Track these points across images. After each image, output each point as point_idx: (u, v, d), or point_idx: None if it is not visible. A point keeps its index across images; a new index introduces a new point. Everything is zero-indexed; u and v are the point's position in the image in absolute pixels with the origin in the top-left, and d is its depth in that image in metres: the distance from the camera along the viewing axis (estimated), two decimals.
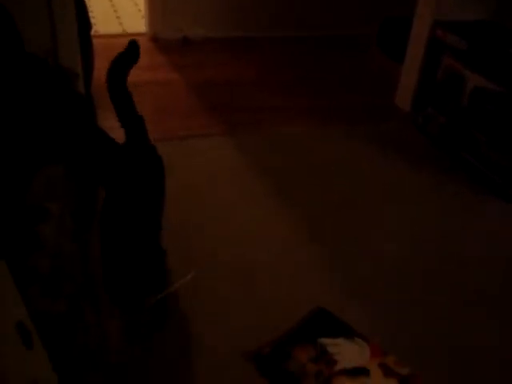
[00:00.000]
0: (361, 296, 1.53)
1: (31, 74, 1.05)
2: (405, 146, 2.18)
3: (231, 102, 2.37)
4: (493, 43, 2.10)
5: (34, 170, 1.01)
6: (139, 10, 3.65)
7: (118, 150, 1.20)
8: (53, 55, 1.22)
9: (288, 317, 1.44)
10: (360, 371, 1.34)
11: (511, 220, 1.88)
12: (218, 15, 3.04)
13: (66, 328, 0.79)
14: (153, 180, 1.25)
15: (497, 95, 1.96)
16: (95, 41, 2.16)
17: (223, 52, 2.75)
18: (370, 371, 1.34)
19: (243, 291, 1.51)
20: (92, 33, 2.09)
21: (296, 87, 2.49)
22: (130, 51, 1.27)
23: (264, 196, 1.84)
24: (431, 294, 1.56)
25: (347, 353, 1.37)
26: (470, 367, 1.40)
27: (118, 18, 3.48)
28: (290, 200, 1.83)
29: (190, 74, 2.53)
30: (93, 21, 2.31)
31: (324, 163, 2.03)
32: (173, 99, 2.34)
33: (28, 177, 0.99)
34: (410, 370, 1.35)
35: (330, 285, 1.56)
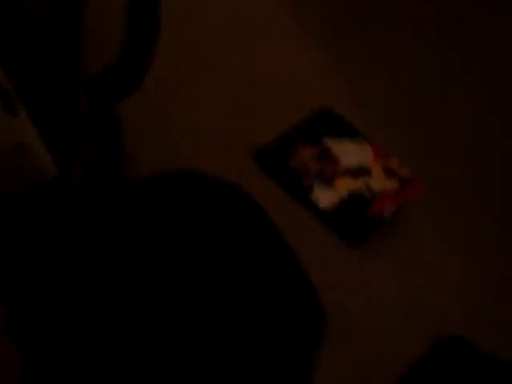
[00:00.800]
0: (369, 102, 1.48)
1: None
2: None
3: None
4: None
5: None
6: None
7: None
8: None
9: (291, 117, 1.41)
10: (362, 171, 1.34)
11: None
12: None
13: (54, 99, 0.76)
14: None
15: None
16: None
17: None
18: (372, 172, 1.34)
19: (244, 91, 1.46)
20: None
21: None
22: None
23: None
24: (444, 108, 1.51)
25: (350, 153, 1.36)
26: (476, 175, 1.39)
27: None
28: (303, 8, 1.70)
29: None
30: None
31: None
32: None
33: None
34: (411, 172, 1.34)
35: (339, 90, 1.50)
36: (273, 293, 0.70)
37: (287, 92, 1.47)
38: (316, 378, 1.03)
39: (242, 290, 0.66)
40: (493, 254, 1.28)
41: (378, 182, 1.32)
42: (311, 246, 1.23)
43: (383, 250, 1.25)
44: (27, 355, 0.61)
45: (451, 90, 1.54)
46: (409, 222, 1.30)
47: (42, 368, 0.62)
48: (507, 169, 1.42)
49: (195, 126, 1.37)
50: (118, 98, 1.01)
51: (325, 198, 1.28)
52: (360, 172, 1.33)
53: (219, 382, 0.61)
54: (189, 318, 0.61)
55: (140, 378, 0.60)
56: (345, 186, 1.31)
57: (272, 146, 1.34)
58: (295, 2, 1.68)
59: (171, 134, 1.34)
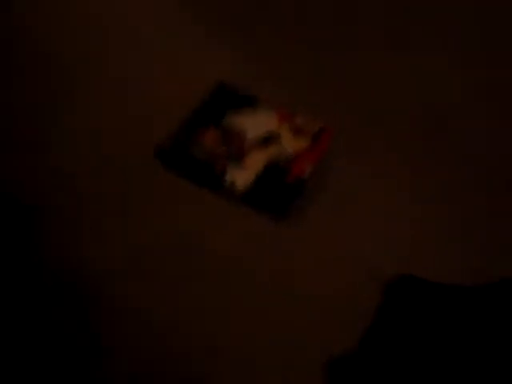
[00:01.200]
0: (262, 69, 1.42)
1: None
2: None
3: None
4: None
5: None
6: None
7: None
8: None
9: (187, 102, 1.34)
10: (271, 139, 1.29)
11: None
12: None
13: None
14: None
15: None
16: None
17: None
18: (280, 136, 1.29)
19: (135, 88, 1.40)
20: None
21: None
22: None
23: None
24: (340, 48, 1.45)
25: (255, 124, 1.31)
26: (390, 114, 1.35)
27: None
28: None
29: None
30: None
31: None
32: None
33: None
34: (320, 125, 1.30)
35: (233, 61, 1.43)
36: None
37: (176, 77, 1.41)
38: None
39: None
40: (422, 196, 1.24)
41: (289, 144, 1.28)
42: (239, 232, 1.19)
43: (314, 213, 1.21)
44: None
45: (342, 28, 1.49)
46: (331, 175, 1.26)
47: None
48: (418, 102, 1.38)
49: (91, 127, 1.31)
50: None
51: (240, 179, 1.23)
52: (269, 140, 1.29)
53: None
54: None
55: None
56: (257, 160, 1.26)
57: (171, 141, 1.28)
58: None
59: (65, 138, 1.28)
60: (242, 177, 1.24)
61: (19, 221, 1.18)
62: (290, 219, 1.20)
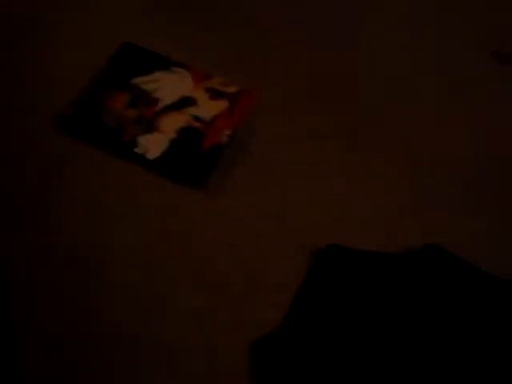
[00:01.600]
0: (173, 27, 1.31)
1: None
2: None
3: None
4: None
5: None
6: None
7: None
8: None
9: (91, 64, 1.22)
10: (185, 102, 1.19)
11: None
12: None
13: None
14: None
15: None
16: None
17: None
18: (196, 99, 1.20)
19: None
20: None
21: None
22: None
23: None
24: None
25: (167, 86, 1.21)
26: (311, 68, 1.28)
27: None
28: None
29: None
30: None
31: None
32: None
33: None
34: (238, 87, 1.21)
35: (137, 23, 1.31)
36: None
37: (77, 40, 1.28)
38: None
39: None
40: (352, 165, 1.18)
41: (205, 108, 1.19)
42: (152, 203, 1.10)
43: (234, 182, 1.13)
44: None
45: None
46: (253, 141, 1.18)
47: None
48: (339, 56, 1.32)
49: None
50: None
51: (152, 146, 1.14)
52: (183, 104, 1.19)
53: None
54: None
55: None
56: (171, 125, 1.16)
57: (75, 107, 1.17)
58: None
59: None
60: (154, 144, 1.14)
61: None
62: (207, 189, 1.12)
